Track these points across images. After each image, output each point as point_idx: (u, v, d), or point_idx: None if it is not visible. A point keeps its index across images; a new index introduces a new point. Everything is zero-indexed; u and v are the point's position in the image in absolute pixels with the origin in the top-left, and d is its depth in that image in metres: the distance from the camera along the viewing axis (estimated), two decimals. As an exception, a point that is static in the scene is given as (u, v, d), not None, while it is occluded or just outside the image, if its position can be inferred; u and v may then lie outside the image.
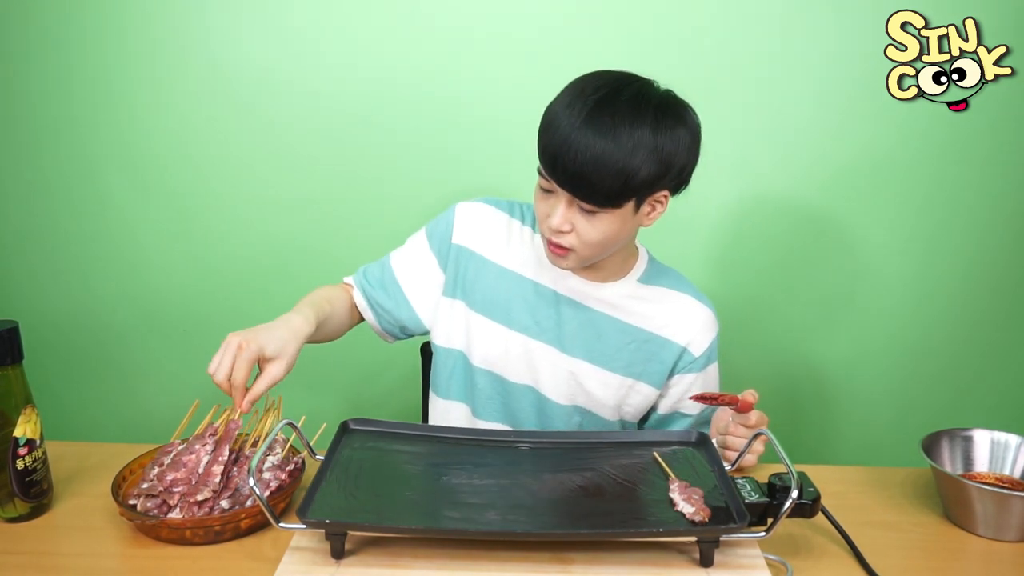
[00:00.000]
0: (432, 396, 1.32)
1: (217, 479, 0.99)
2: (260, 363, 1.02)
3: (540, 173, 1.07)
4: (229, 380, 0.99)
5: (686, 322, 1.22)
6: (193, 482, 0.99)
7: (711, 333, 1.24)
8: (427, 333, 1.30)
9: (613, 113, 1.00)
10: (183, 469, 1.00)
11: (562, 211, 1.06)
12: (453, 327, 1.24)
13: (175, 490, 0.98)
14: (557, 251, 1.11)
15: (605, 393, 1.22)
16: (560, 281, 1.21)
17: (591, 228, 1.07)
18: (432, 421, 1.32)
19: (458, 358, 1.25)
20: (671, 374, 1.23)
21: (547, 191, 1.08)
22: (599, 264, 1.18)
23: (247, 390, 1.01)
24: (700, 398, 1.07)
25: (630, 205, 1.05)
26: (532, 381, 1.22)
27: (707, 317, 1.24)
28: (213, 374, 0.99)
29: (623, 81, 1.05)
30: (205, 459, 1.02)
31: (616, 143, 0.99)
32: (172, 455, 1.04)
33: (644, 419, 1.30)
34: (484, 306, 1.22)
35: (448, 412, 1.28)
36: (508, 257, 1.23)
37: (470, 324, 1.23)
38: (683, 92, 1.09)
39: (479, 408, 1.26)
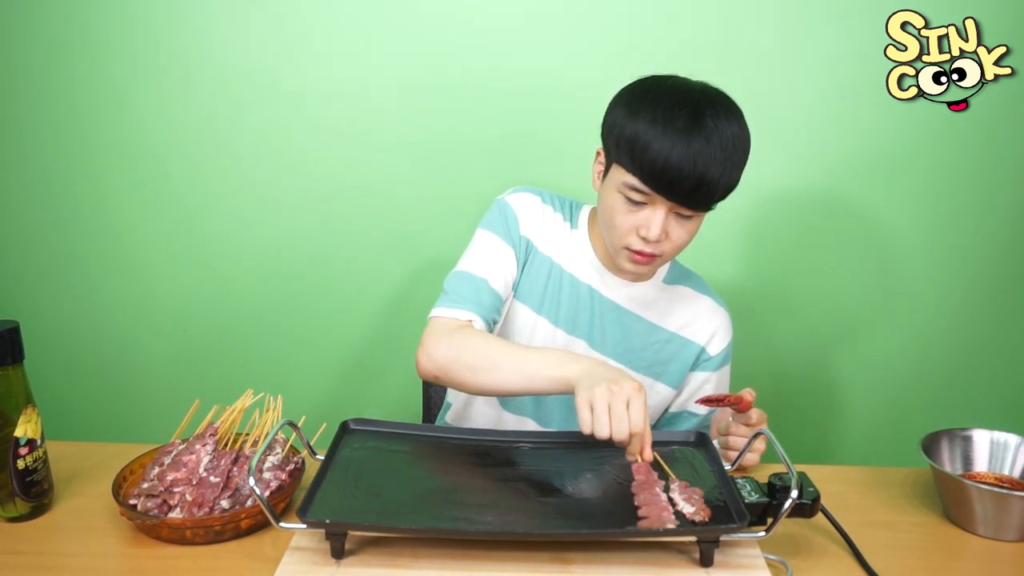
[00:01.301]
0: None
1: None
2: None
3: (631, 188, 1.05)
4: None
5: (706, 322, 1.25)
6: (193, 482, 0.99)
7: (728, 335, 1.27)
8: None
9: (714, 118, 1.02)
10: (183, 469, 1.00)
11: (661, 221, 1.06)
12: None
13: (175, 490, 0.98)
14: (646, 259, 1.10)
15: None
16: (596, 279, 1.22)
17: (683, 231, 1.08)
18: (454, 405, 1.32)
19: None
20: (688, 373, 1.25)
21: (638, 203, 1.06)
22: None
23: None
24: (706, 401, 1.08)
25: None
26: None
27: (725, 320, 1.27)
28: (620, 437, 0.92)
29: (690, 84, 1.06)
30: (205, 459, 1.02)
31: (723, 147, 1.01)
32: (172, 455, 1.04)
33: None
34: (535, 299, 1.22)
35: (475, 399, 1.27)
36: (556, 251, 1.22)
37: (512, 312, 1.22)
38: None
39: (507, 399, 1.25)
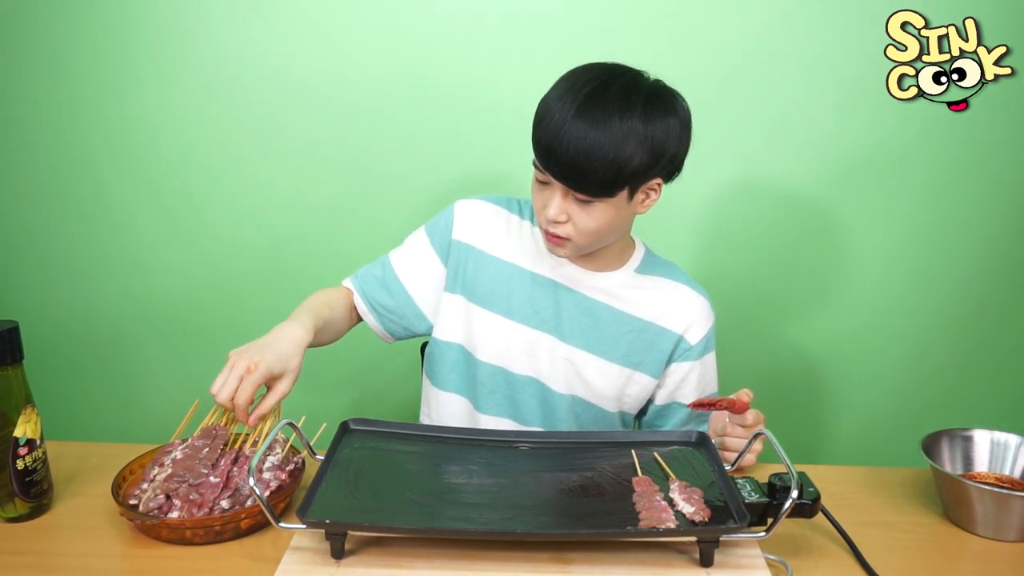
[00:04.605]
0: (430, 387, 1.32)
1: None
2: (266, 381, 1.03)
3: (535, 166, 1.09)
4: (232, 400, 0.99)
5: (682, 311, 1.23)
6: (219, 469, 1.01)
7: (708, 322, 1.25)
8: (430, 331, 1.30)
9: (603, 104, 1.02)
10: (201, 458, 1.02)
11: (558, 202, 1.08)
12: (453, 321, 1.25)
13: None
14: (555, 240, 1.13)
15: (604, 383, 1.22)
16: (559, 270, 1.22)
17: (587, 217, 1.09)
18: (430, 412, 1.33)
19: (458, 352, 1.26)
20: (668, 362, 1.24)
21: (543, 183, 1.10)
22: (597, 254, 1.20)
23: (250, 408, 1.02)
24: (698, 405, 1.08)
25: (623, 194, 1.07)
26: (534, 372, 1.23)
27: (703, 307, 1.25)
28: (216, 394, 0.99)
29: (613, 73, 1.06)
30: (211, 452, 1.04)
31: (606, 133, 1.01)
32: (172, 455, 1.04)
33: (642, 411, 1.31)
34: (485, 299, 1.23)
35: (448, 405, 1.28)
36: (507, 250, 1.24)
37: (471, 317, 1.24)
38: (686, 92, 1.10)
39: (481, 402, 1.26)
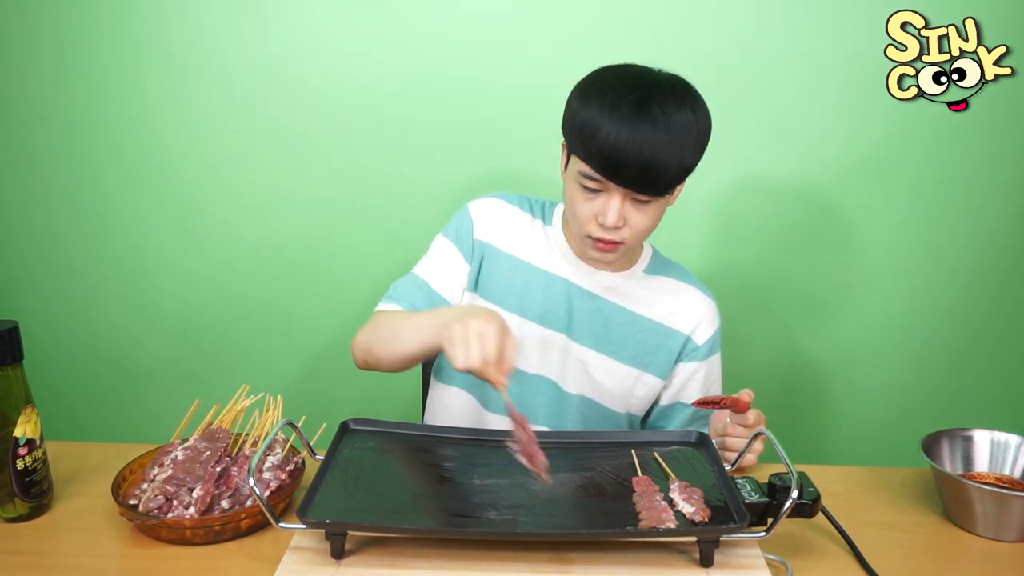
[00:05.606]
0: (437, 385, 1.32)
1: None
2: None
3: (584, 176, 1.07)
4: (483, 360, 0.95)
5: (690, 311, 1.24)
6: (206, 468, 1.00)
7: (714, 324, 1.26)
8: None
9: (661, 104, 1.02)
10: (203, 460, 1.02)
11: (617, 207, 1.07)
12: None
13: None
14: (608, 247, 1.12)
15: (612, 383, 1.23)
16: (572, 271, 1.23)
17: (643, 217, 1.09)
18: (436, 410, 1.32)
19: None
20: (676, 363, 1.25)
21: (594, 191, 1.08)
22: None
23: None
24: (702, 403, 1.08)
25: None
26: (546, 371, 1.24)
27: (710, 308, 1.26)
28: (466, 365, 0.94)
29: (644, 72, 1.07)
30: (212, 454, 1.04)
31: (670, 132, 1.02)
32: (172, 456, 1.04)
33: (647, 413, 1.31)
34: (499, 296, 1.23)
35: (456, 402, 1.28)
36: (522, 248, 1.24)
37: None
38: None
39: (489, 400, 1.26)
